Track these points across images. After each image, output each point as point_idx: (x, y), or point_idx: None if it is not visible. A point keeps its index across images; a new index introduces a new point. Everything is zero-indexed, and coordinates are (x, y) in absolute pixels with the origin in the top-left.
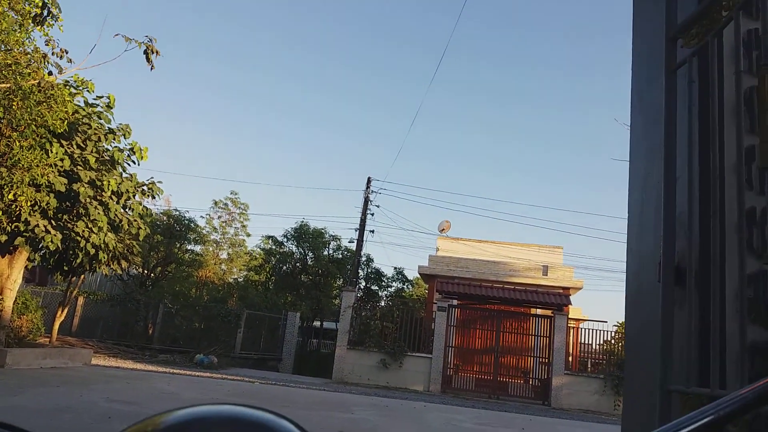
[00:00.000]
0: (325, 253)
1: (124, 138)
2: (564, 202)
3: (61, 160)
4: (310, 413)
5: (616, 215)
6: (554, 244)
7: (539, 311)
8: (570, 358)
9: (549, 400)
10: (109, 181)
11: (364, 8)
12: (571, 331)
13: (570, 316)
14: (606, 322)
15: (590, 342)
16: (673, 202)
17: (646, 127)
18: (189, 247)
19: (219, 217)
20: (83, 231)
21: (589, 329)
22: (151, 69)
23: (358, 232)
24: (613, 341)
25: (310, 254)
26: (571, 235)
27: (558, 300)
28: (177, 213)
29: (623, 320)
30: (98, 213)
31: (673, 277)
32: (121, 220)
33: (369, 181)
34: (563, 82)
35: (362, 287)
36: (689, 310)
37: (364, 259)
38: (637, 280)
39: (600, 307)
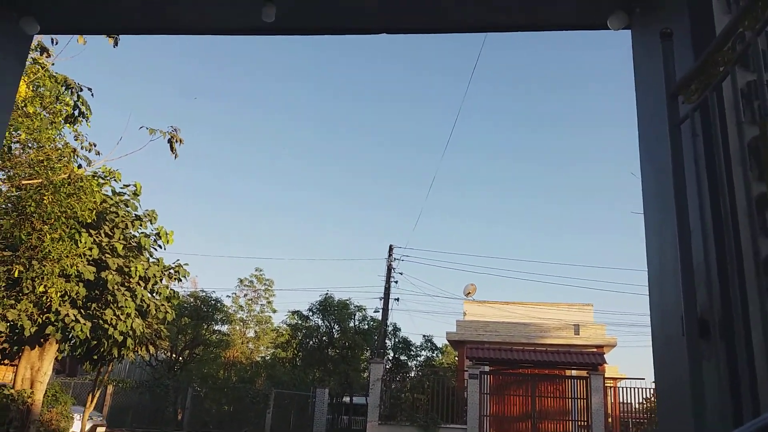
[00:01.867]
0: (351, 324)
1: (151, 223)
2: (591, 258)
3: (90, 249)
4: None
5: (643, 268)
6: (584, 301)
7: (574, 372)
8: (610, 420)
9: None
10: (136, 267)
11: (375, 77)
12: (609, 390)
13: (606, 375)
14: (644, 379)
15: (630, 401)
16: (689, 254)
17: (656, 180)
18: (216, 327)
19: (245, 295)
20: (111, 319)
21: (627, 388)
22: (175, 158)
23: (383, 301)
24: (653, 399)
25: (336, 327)
26: (600, 291)
27: (592, 359)
28: (204, 294)
29: None
30: (126, 300)
31: (697, 330)
32: (148, 305)
33: (391, 249)
34: (581, 137)
35: (390, 358)
36: (717, 362)
37: (390, 328)
38: (663, 333)
39: (636, 364)
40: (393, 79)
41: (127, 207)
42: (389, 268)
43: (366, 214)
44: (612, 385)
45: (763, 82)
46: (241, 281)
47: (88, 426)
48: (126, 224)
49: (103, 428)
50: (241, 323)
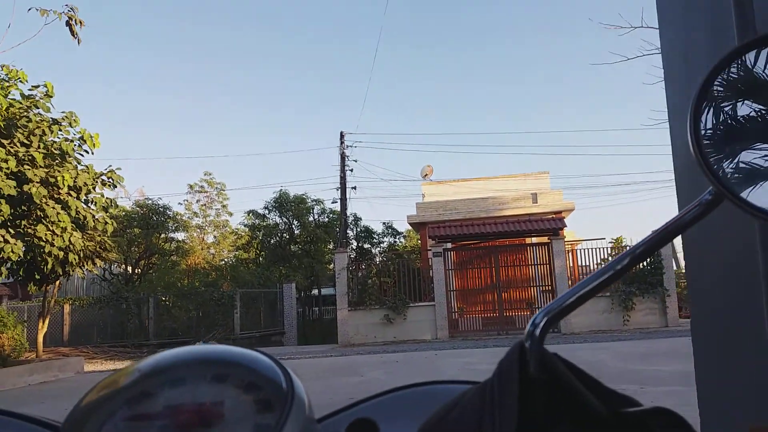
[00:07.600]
0: (311, 218)
1: (71, 127)
2: (545, 125)
3: (5, 161)
4: (318, 382)
5: (595, 128)
6: (539, 170)
7: (535, 240)
8: (571, 282)
9: (558, 327)
10: (63, 176)
11: None
12: (569, 254)
13: (566, 240)
14: (603, 239)
15: (589, 263)
16: None
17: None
18: (171, 235)
19: (198, 201)
20: (45, 235)
21: (586, 249)
22: (78, 42)
23: (339, 192)
24: (611, 258)
25: (296, 222)
26: (555, 156)
27: (552, 225)
28: (150, 202)
29: (618, 235)
30: (57, 213)
31: None
32: (85, 217)
33: (342, 136)
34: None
35: (354, 247)
36: None
37: (351, 218)
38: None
39: (594, 225)
40: None
41: (40, 110)
42: (342, 157)
43: (311, 108)
44: (572, 248)
45: None
46: (191, 187)
47: None
48: (43, 130)
49: None
50: (199, 230)
